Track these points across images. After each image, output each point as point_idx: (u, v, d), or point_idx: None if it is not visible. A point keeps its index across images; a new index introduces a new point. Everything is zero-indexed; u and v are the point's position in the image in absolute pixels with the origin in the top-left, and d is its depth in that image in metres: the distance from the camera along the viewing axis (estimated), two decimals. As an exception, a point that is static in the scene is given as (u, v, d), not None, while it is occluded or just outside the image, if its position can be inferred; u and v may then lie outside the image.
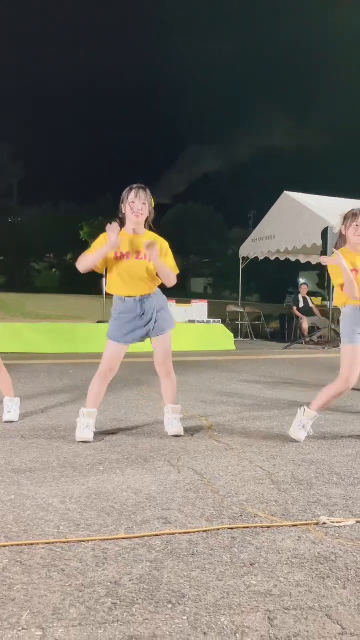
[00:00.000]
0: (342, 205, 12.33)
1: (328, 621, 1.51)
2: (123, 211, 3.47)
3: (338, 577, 1.77)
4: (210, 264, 49.37)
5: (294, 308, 12.32)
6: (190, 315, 10.71)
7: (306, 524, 2.19)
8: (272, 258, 13.91)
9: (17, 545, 1.95)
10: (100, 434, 3.61)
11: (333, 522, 2.19)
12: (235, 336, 11.67)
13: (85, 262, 3.44)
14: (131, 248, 3.44)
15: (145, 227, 3.54)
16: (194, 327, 10.46)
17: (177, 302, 11.12)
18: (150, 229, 3.58)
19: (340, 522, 2.20)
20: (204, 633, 1.44)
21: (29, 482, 2.63)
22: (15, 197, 49.90)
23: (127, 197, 3.43)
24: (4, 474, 2.74)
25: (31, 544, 1.96)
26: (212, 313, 11.18)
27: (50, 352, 8.76)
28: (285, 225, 12.31)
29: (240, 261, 14.31)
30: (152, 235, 3.54)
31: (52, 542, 1.97)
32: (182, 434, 3.61)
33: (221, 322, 10.93)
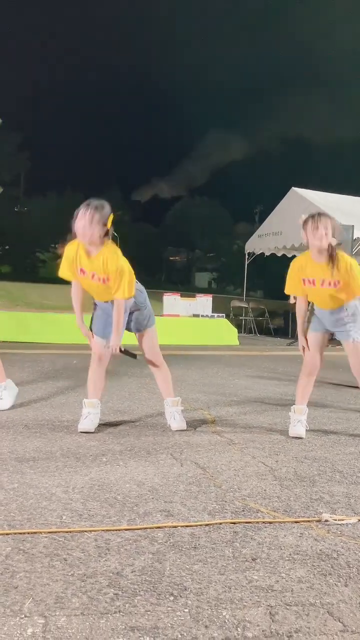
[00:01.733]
0: (349, 202, 12.32)
1: (330, 618, 1.51)
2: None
3: (340, 574, 1.77)
4: (215, 259, 49.32)
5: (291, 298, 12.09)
6: (195, 310, 10.71)
7: (308, 521, 2.19)
8: (279, 254, 13.89)
9: (21, 533, 1.95)
10: (103, 425, 3.61)
11: (335, 519, 2.19)
12: (239, 332, 11.67)
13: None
14: (89, 268, 3.37)
15: (102, 242, 3.32)
16: (198, 321, 10.46)
17: (181, 296, 11.12)
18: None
19: (342, 520, 2.20)
20: (206, 626, 1.45)
21: (32, 471, 2.64)
22: (22, 187, 49.92)
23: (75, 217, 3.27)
24: (7, 463, 2.75)
25: (34, 532, 1.96)
26: (216, 308, 11.17)
27: (54, 343, 8.77)
28: (293, 221, 12.21)
29: (246, 256, 14.29)
30: (107, 259, 3.30)
31: (55, 532, 1.98)
32: (185, 428, 3.61)
33: (225, 317, 10.92)
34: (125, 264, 3.36)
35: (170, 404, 3.69)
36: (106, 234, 3.32)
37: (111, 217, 3.32)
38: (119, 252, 3.39)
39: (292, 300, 12.12)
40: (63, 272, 3.51)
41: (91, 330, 3.63)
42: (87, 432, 3.39)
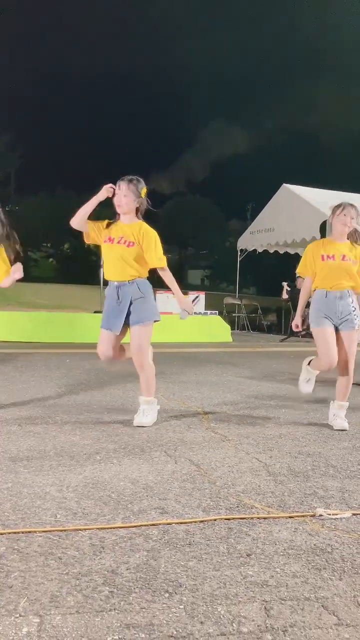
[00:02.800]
0: (340, 198, 12.35)
1: (324, 612, 1.52)
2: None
3: (334, 568, 1.77)
4: (208, 256, 49.32)
5: (284, 291, 11.95)
6: (188, 307, 10.70)
7: (303, 515, 2.20)
8: (272, 251, 13.91)
9: (15, 533, 1.95)
10: (97, 424, 3.61)
11: (329, 514, 2.20)
12: (232, 329, 11.68)
13: (77, 216, 3.61)
14: (118, 234, 3.59)
15: (138, 217, 3.66)
16: (191, 318, 10.43)
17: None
18: (145, 218, 3.71)
19: (336, 514, 2.20)
20: (201, 622, 1.45)
21: (26, 470, 2.63)
22: (13, 185, 49.71)
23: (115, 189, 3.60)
24: (1, 462, 2.74)
25: (29, 532, 1.96)
26: (209, 305, 11.18)
27: (47, 342, 8.74)
28: (284, 218, 12.31)
29: (238, 253, 14.30)
30: (141, 225, 3.63)
31: (50, 531, 1.97)
32: (145, 425, 3.54)
33: (218, 315, 10.93)
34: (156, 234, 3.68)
35: (143, 402, 3.66)
36: (137, 209, 3.65)
37: (144, 190, 3.64)
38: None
39: (284, 296, 12.19)
40: (93, 235, 3.68)
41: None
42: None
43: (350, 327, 3.70)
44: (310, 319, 3.82)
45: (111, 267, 3.62)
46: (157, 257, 3.59)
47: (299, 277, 4.00)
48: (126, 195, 3.57)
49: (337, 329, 3.72)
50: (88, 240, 3.72)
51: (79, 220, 3.62)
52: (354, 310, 3.72)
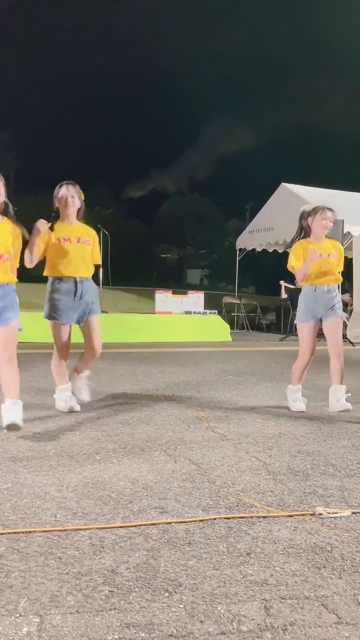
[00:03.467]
0: (338, 197, 12.35)
1: (324, 611, 1.52)
2: (57, 205, 3.94)
3: (334, 567, 1.78)
4: (207, 256, 49.31)
5: (282, 290, 11.89)
6: (187, 307, 10.71)
7: (302, 514, 2.20)
8: (271, 250, 13.91)
9: (15, 533, 1.95)
10: (96, 423, 3.61)
11: (329, 513, 2.20)
12: (232, 328, 11.68)
13: (30, 258, 3.73)
14: (75, 234, 3.91)
15: (78, 218, 4.01)
16: (191, 318, 10.46)
17: (173, 293, 11.12)
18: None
19: (336, 513, 2.21)
20: (201, 622, 1.45)
21: (26, 470, 2.63)
22: (11, 186, 49.70)
23: (57, 194, 3.93)
24: (1, 462, 2.74)
25: (28, 532, 1.96)
26: (208, 305, 11.18)
27: (45, 342, 8.73)
28: (283, 217, 12.29)
29: (237, 253, 14.30)
30: (88, 226, 4.04)
31: (50, 531, 1.98)
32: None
33: (217, 314, 10.93)
34: None
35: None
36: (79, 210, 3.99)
37: (82, 194, 4.02)
38: None
39: (283, 295, 12.21)
40: (42, 252, 3.89)
41: (54, 319, 4.02)
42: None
43: (336, 314, 4.22)
44: (298, 313, 4.30)
45: (73, 264, 3.87)
46: (99, 255, 4.11)
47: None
48: (73, 196, 3.90)
49: (322, 320, 4.21)
50: (42, 256, 3.90)
51: (34, 259, 3.76)
52: (337, 303, 4.24)
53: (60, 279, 3.89)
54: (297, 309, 4.30)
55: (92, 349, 4.08)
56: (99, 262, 4.16)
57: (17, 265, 3.53)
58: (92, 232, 4.06)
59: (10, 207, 3.50)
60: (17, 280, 3.52)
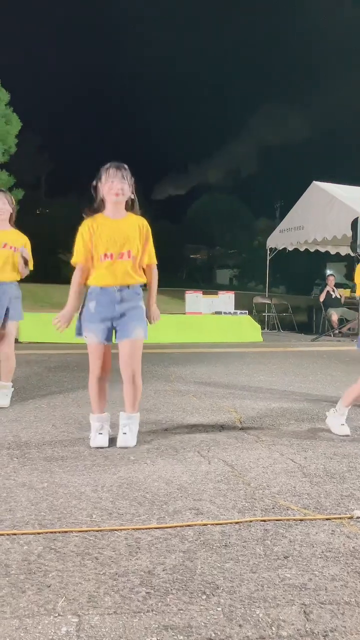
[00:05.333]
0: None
1: (365, 617, 1.49)
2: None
3: (374, 572, 1.74)
4: (236, 255, 49.07)
5: (322, 296, 12.06)
6: (217, 307, 10.67)
7: (340, 517, 2.16)
8: (302, 249, 13.77)
9: (52, 532, 1.96)
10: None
11: (367, 516, 2.15)
12: (262, 328, 11.59)
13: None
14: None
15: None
16: (221, 318, 10.42)
17: (203, 293, 11.09)
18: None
19: (375, 516, 2.16)
20: (240, 625, 1.43)
21: (61, 470, 2.65)
22: (43, 188, 50.39)
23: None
24: (37, 462, 2.77)
25: (65, 532, 1.97)
26: (238, 305, 11.11)
27: (79, 343, 8.81)
28: (314, 216, 12.16)
29: (268, 252, 14.19)
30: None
31: (86, 531, 1.99)
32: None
33: (248, 314, 10.86)
34: None
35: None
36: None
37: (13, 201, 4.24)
38: None
39: (322, 298, 11.96)
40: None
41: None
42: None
43: None
44: None
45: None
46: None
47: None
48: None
49: None
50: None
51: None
52: None
53: None
54: None
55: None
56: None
57: None
58: (23, 239, 4.21)
59: None
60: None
